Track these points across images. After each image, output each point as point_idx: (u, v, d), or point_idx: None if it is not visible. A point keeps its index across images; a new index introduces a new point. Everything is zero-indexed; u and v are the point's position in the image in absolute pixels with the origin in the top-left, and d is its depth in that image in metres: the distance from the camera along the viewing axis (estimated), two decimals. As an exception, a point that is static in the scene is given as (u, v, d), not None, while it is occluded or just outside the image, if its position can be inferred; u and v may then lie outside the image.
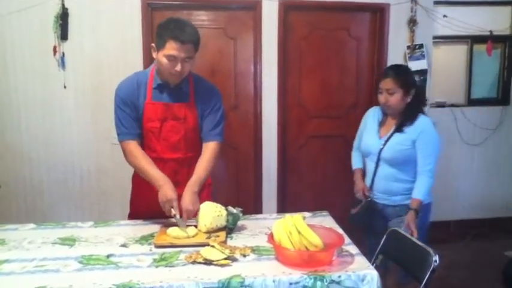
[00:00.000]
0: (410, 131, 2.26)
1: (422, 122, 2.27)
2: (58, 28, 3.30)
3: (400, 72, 2.29)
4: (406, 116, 2.29)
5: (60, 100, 3.42)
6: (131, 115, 2.03)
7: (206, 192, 2.20)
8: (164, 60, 1.91)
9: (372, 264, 2.09)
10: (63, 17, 3.29)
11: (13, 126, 3.41)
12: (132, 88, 2.03)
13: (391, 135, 2.30)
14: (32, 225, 2.04)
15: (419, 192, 2.23)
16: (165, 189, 1.90)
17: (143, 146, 2.09)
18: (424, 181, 2.23)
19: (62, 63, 3.36)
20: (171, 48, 1.88)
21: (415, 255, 1.85)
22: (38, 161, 3.47)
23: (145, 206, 2.11)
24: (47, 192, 3.51)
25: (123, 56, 3.42)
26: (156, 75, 2.03)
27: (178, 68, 1.91)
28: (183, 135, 2.07)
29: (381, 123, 2.40)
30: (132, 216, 2.21)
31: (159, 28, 1.94)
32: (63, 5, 3.29)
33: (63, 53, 3.35)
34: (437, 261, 1.72)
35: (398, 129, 2.29)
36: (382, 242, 2.09)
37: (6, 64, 3.33)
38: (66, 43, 3.35)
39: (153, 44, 1.97)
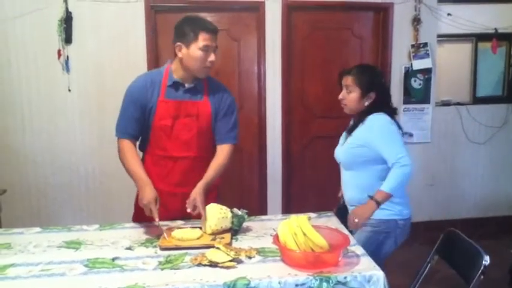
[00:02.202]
0: (360, 129, 2.11)
1: (371, 119, 2.09)
2: (62, 32, 3.32)
3: (364, 71, 2.15)
4: (359, 119, 2.16)
5: (65, 103, 3.43)
6: (133, 115, 2.04)
7: (213, 194, 2.19)
8: (198, 53, 1.95)
9: (427, 265, 2.07)
10: (67, 21, 3.31)
11: (18, 129, 3.42)
12: (144, 87, 2.04)
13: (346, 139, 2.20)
14: (37, 229, 2.05)
15: (385, 185, 2.00)
16: (144, 190, 1.89)
17: (147, 145, 2.11)
18: (393, 173, 2.00)
19: (66, 66, 3.37)
20: (205, 39, 1.95)
21: (466, 255, 1.85)
22: (43, 164, 3.48)
23: None
24: (51, 195, 3.52)
25: (127, 59, 3.42)
26: (171, 73, 2.05)
27: (212, 57, 1.98)
28: (196, 133, 2.07)
29: (349, 130, 2.26)
30: (136, 217, 2.20)
31: (186, 24, 1.98)
32: (66, 8, 3.31)
33: (68, 57, 3.37)
34: (488, 262, 1.70)
35: (350, 131, 2.17)
36: (438, 242, 2.06)
37: (11, 67, 3.35)
38: (70, 46, 3.37)
39: (178, 43, 1.98)
